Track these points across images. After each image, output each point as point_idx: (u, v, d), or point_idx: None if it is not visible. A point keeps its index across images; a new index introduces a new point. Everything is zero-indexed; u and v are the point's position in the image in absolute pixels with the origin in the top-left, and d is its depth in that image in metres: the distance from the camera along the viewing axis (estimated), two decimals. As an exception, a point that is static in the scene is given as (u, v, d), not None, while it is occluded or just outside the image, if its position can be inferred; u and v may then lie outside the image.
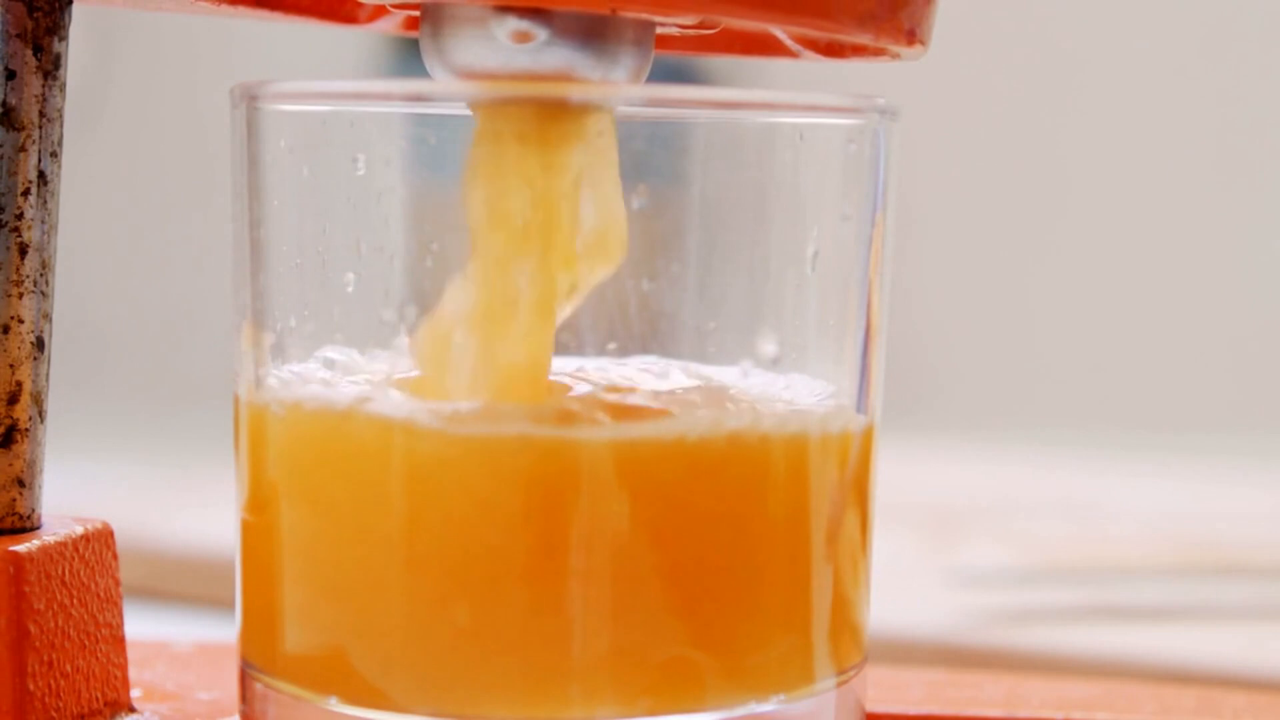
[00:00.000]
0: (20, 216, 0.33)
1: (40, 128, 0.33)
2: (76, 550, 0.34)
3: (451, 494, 0.30)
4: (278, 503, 0.32)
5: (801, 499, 0.32)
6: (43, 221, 0.33)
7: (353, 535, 0.31)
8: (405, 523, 0.31)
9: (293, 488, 0.32)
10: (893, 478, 0.43)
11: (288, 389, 0.32)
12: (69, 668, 0.33)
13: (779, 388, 0.33)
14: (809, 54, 0.34)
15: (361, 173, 0.33)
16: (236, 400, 0.34)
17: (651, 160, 0.32)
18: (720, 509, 0.31)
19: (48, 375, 0.34)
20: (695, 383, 0.33)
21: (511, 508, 0.30)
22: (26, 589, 0.32)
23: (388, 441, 0.31)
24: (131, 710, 0.35)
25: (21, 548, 0.33)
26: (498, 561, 0.30)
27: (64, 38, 0.34)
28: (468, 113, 0.32)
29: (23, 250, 0.33)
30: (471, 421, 0.31)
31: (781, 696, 0.32)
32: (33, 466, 0.34)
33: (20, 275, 0.33)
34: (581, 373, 0.33)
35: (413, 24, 0.36)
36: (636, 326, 0.34)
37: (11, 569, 0.32)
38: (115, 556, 0.35)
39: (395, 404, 0.31)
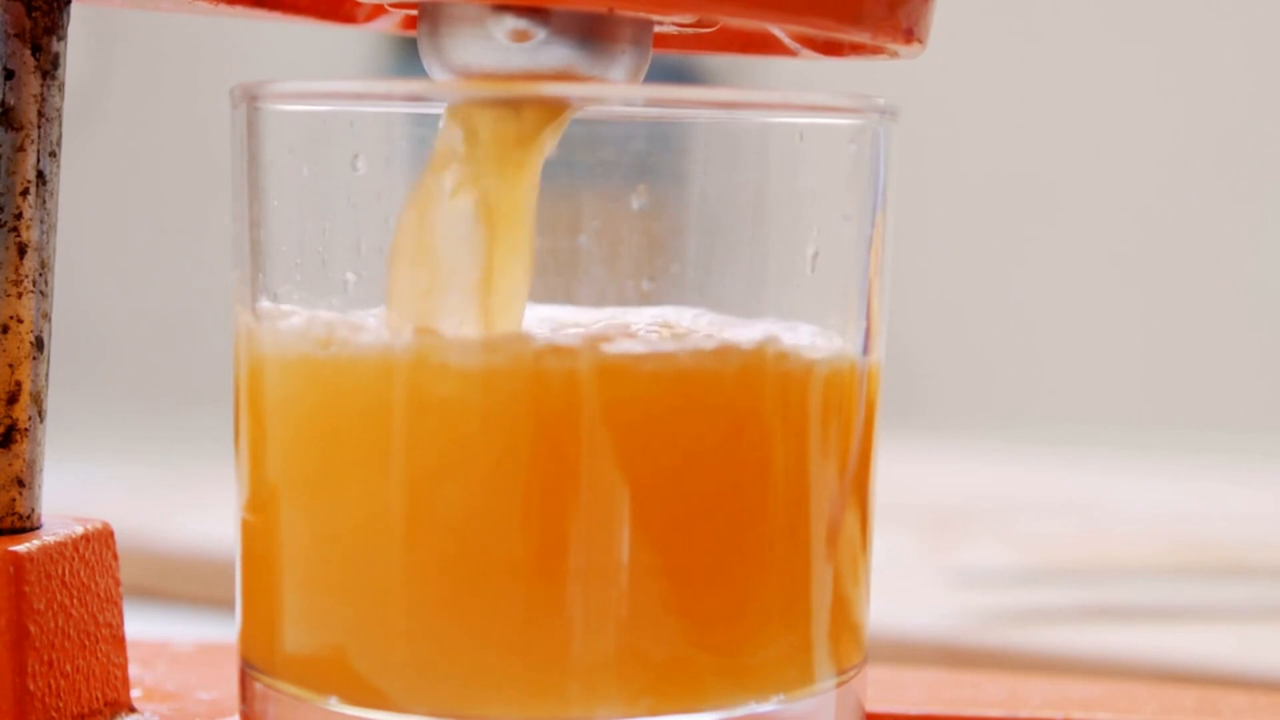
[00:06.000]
0: (19, 216, 0.33)
1: (39, 127, 0.33)
2: (76, 550, 0.34)
3: (448, 438, 0.30)
4: (277, 495, 0.32)
5: (802, 482, 0.32)
6: (42, 221, 0.33)
7: (350, 518, 0.31)
8: (403, 500, 0.31)
9: (290, 470, 0.32)
10: (893, 478, 0.43)
11: (279, 342, 0.32)
12: (69, 668, 0.33)
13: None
14: (807, 52, 0.34)
15: (361, 173, 0.33)
16: (236, 392, 0.34)
17: (651, 160, 0.32)
18: (721, 466, 0.31)
19: (47, 375, 0.34)
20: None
21: (509, 449, 0.30)
22: (26, 589, 0.32)
23: (385, 379, 0.31)
24: (131, 710, 0.35)
25: (21, 548, 0.33)
26: (497, 551, 0.30)
27: (63, 37, 0.34)
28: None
29: (22, 250, 0.33)
30: (466, 354, 0.30)
31: (781, 696, 0.32)
32: (32, 466, 0.34)
33: (20, 275, 0.33)
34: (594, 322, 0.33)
35: (411, 23, 0.36)
36: (636, 326, 0.34)
37: (11, 569, 0.32)
38: (115, 556, 0.35)
39: (387, 344, 0.31)
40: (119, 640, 0.35)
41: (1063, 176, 1.20)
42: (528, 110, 0.31)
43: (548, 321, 0.33)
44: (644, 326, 0.32)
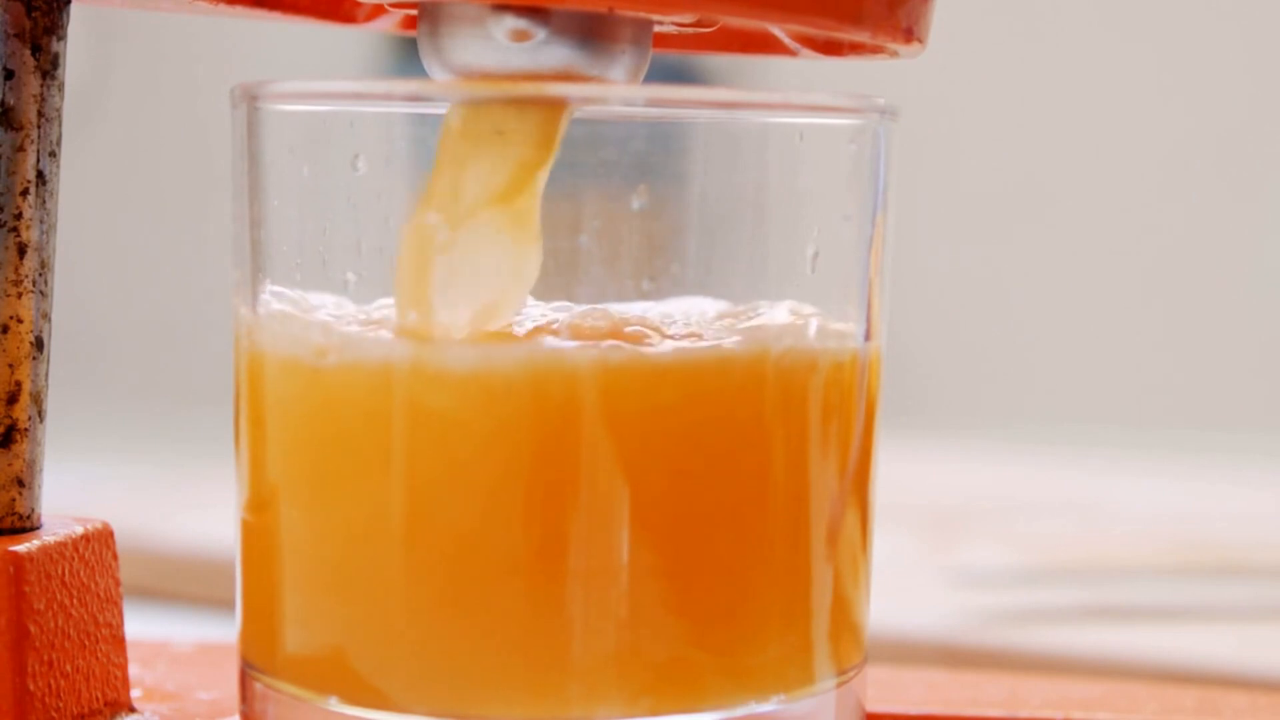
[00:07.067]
0: (19, 216, 0.33)
1: (39, 127, 0.33)
2: (76, 550, 0.34)
3: (448, 438, 0.30)
4: (277, 495, 0.32)
5: (802, 481, 0.32)
6: (41, 221, 0.33)
7: (350, 518, 0.31)
8: (403, 499, 0.31)
9: (290, 470, 0.32)
10: (893, 478, 0.43)
11: (278, 344, 0.32)
12: (69, 668, 0.33)
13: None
14: (807, 52, 0.34)
15: (361, 173, 0.33)
16: (237, 392, 0.34)
17: (651, 160, 0.32)
18: (722, 455, 0.31)
19: (47, 375, 0.34)
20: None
21: (509, 449, 0.30)
22: (26, 589, 0.32)
23: (383, 384, 0.31)
24: (131, 710, 0.35)
25: (21, 548, 0.33)
26: (497, 551, 0.30)
27: (62, 37, 0.34)
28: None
29: (21, 250, 0.33)
30: (464, 355, 0.30)
31: (781, 696, 0.32)
32: (32, 466, 0.34)
33: (19, 275, 0.33)
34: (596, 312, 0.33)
35: (411, 23, 0.36)
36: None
37: (11, 569, 0.32)
38: (115, 556, 0.35)
39: (385, 349, 0.31)
40: (119, 640, 0.35)
41: (1062, 177, 1.20)
42: (533, 111, 0.31)
43: (545, 320, 0.33)
44: (643, 323, 0.32)
